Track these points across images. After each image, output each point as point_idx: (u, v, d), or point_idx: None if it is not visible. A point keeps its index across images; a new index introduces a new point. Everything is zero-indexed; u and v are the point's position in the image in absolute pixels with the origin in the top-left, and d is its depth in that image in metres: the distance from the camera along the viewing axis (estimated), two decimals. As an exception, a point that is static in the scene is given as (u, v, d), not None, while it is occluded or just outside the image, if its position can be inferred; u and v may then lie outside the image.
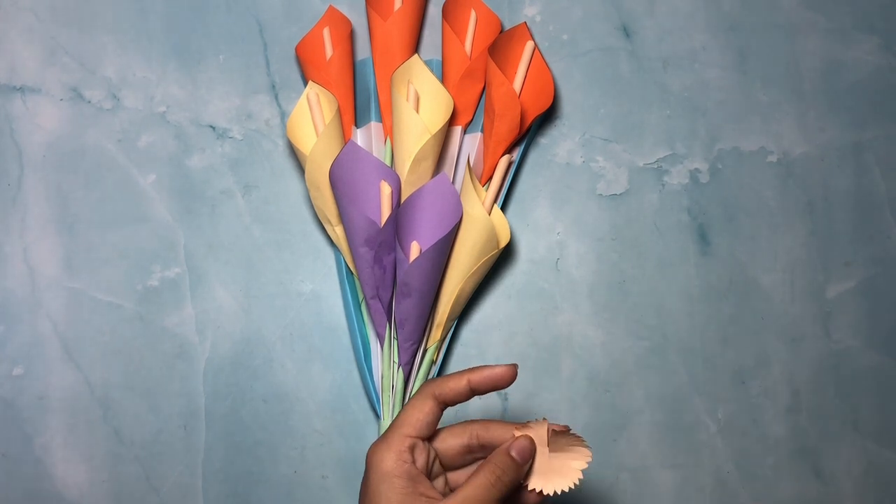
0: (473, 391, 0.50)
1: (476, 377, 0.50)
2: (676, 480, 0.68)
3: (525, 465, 0.49)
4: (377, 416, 0.65)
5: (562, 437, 0.50)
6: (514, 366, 0.50)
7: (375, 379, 0.65)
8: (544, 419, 0.50)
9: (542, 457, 0.50)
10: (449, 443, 0.51)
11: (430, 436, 0.51)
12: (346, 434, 0.67)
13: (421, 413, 0.50)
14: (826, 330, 0.70)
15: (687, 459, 0.68)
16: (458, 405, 0.53)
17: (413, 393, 0.64)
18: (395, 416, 0.63)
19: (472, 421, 0.52)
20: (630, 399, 0.68)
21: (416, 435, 0.50)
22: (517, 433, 0.50)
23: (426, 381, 0.51)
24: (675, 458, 0.68)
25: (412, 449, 0.49)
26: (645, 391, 0.68)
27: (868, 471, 0.69)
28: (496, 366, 0.50)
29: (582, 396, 0.68)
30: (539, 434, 0.50)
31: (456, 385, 0.50)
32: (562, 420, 0.67)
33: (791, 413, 0.69)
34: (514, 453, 0.49)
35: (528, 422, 0.50)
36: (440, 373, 0.67)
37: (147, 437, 0.66)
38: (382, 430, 0.64)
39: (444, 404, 0.50)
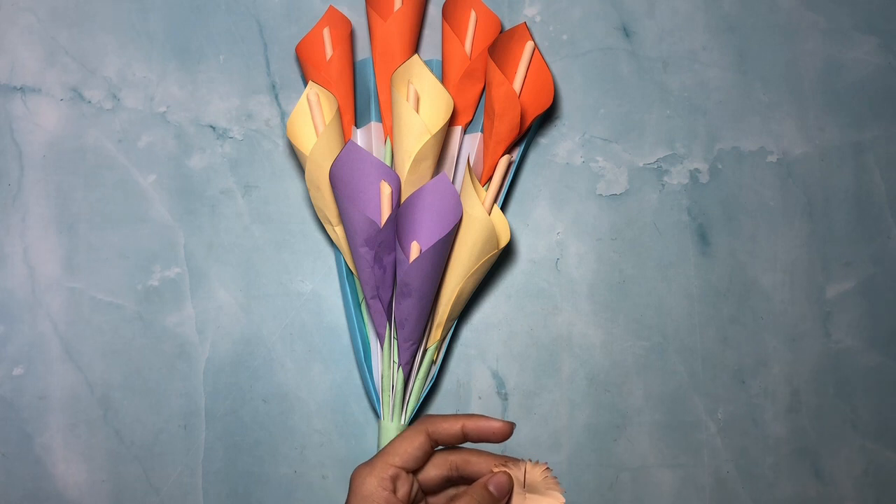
0: (466, 437, 0.51)
1: (471, 424, 0.51)
2: (676, 480, 0.68)
3: (501, 499, 0.50)
4: (377, 416, 0.65)
5: (539, 478, 0.51)
6: (511, 424, 0.51)
7: (375, 379, 0.65)
8: (522, 460, 0.51)
9: (518, 497, 0.50)
10: (430, 474, 0.52)
11: (416, 469, 0.51)
12: (346, 434, 0.67)
13: (411, 446, 0.50)
14: (826, 330, 0.70)
15: (687, 459, 0.68)
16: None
17: (413, 391, 0.64)
18: (394, 416, 0.64)
19: (452, 450, 0.52)
20: (630, 399, 0.68)
21: (401, 465, 0.50)
22: (496, 469, 0.51)
23: (424, 416, 0.51)
24: (675, 458, 0.68)
25: (395, 478, 0.50)
26: (645, 391, 0.68)
27: (868, 470, 0.69)
28: (494, 420, 0.51)
29: (582, 396, 0.68)
30: (517, 474, 0.50)
31: (450, 427, 0.51)
32: (562, 420, 0.67)
33: (791, 413, 0.69)
34: (491, 487, 0.50)
35: (507, 460, 0.51)
36: (440, 372, 0.67)
37: (147, 437, 0.66)
38: (383, 431, 0.64)
39: (435, 442, 0.51)
